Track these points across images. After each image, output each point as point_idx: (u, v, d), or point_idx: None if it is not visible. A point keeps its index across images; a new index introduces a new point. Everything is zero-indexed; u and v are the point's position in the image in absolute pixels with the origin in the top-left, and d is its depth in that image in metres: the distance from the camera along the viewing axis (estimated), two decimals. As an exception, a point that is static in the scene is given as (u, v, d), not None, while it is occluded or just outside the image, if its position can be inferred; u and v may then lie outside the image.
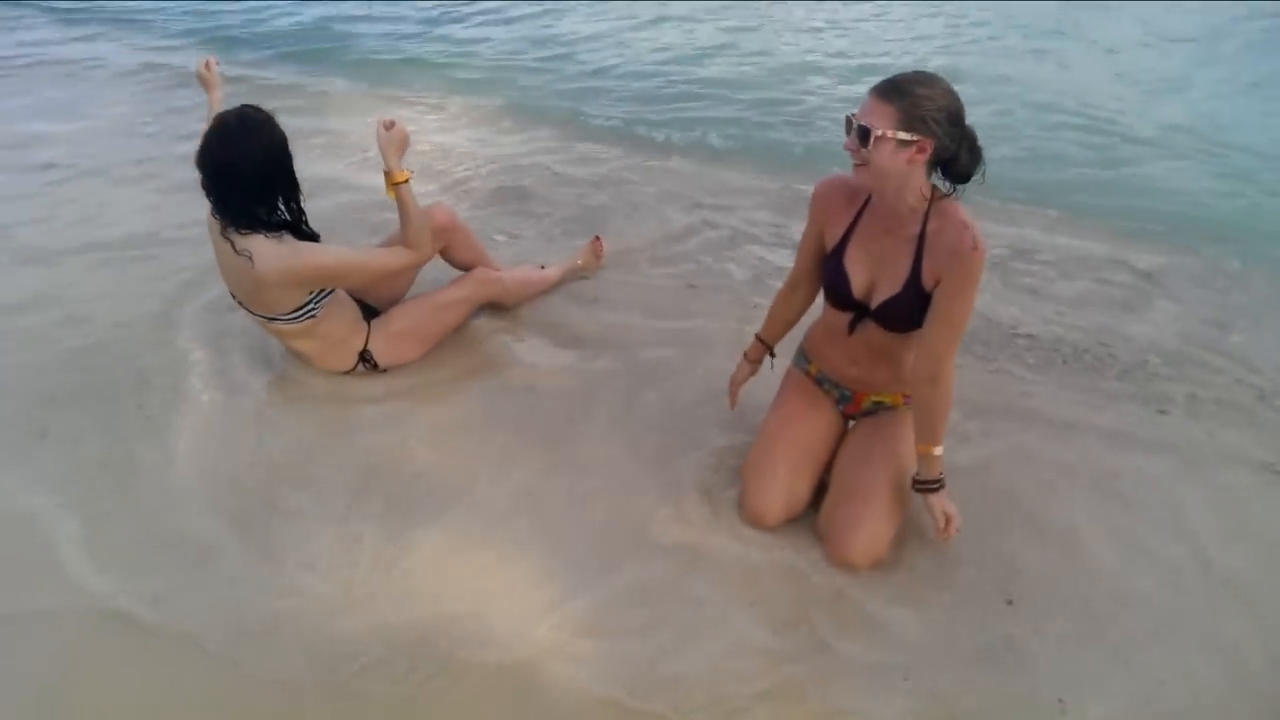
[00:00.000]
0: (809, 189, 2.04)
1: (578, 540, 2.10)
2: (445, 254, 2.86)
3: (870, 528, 1.98)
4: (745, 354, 2.32)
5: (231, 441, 2.41)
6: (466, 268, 2.89)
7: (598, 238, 3.35)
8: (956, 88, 1.68)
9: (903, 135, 1.66)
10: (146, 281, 3.19)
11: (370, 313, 2.69)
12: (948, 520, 1.93)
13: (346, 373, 2.64)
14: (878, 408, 2.17)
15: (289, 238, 2.26)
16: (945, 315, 1.82)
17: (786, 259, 3.34)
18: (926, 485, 1.95)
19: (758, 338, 2.29)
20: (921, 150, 1.68)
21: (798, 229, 2.96)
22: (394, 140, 2.32)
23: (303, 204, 2.31)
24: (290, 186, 2.24)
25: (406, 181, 2.35)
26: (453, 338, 2.86)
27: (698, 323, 2.97)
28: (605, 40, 6.86)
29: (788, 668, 1.80)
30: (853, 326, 2.02)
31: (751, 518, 2.12)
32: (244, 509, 2.18)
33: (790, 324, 2.25)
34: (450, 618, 1.89)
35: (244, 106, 2.18)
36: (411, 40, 7.03)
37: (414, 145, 2.56)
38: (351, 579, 1.99)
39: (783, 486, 2.09)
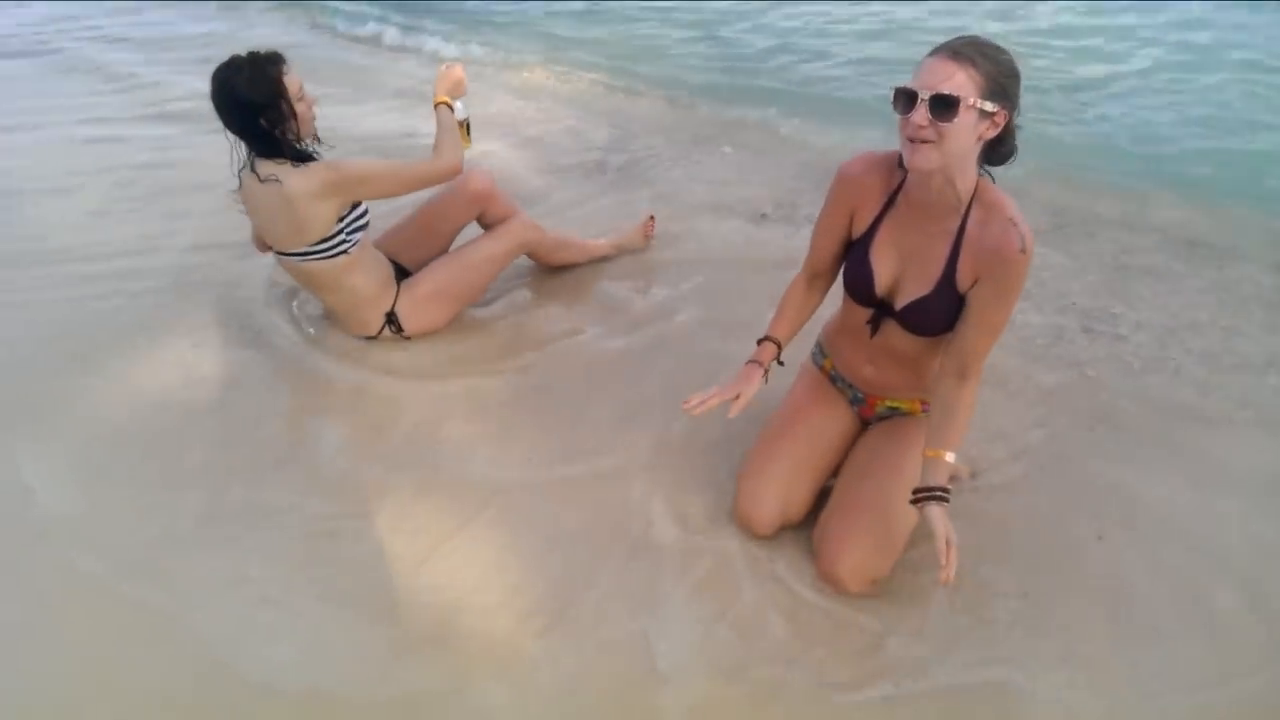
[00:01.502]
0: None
1: (567, 532, 2.02)
2: (482, 220, 2.81)
3: (865, 545, 1.77)
4: (754, 359, 1.86)
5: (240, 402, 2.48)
6: None
7: (651, 216, 3.21)
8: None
9: (987, 105, 1.42)
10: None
11: (403, 276, 2.69)
12: (949, 547, 1.54)
13: (373, 337, 2.65)
14: (892, 413, 1.95)
15: (313, 164, 2.29)
16: (983, 321, 1.60)
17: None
18: (928, 494, 1.61)
19: (767, 338, 1.89)
20: (996, 125, 1.46)
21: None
22: (448, 77, 2.52)
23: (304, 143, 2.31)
24: (260, 129, 2.22)
25: (445, 104, 2.49)
26: (487, 310, 2.82)
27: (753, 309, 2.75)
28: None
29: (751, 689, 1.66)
30: (874, 326, 1.80)
31: (743, 522, 1.95)
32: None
33: (804, 320, 1.93)
34: (424, 605, 1.86)
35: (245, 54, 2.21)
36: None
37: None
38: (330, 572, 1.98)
39: (778, 491, 1.91)
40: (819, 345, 2.06)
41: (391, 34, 6.28)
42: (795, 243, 3.17)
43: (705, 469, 2.16)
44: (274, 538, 2.02)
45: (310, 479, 2.19)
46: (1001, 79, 1.42)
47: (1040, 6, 6.10)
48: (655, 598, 1.85)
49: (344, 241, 2.41)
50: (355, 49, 6.07)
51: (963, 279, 1.61)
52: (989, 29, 5.60)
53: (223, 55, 2.19)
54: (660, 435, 2.28)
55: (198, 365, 2.60)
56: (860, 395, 1.96)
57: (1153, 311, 2.75)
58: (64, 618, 1.84)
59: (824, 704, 1.64)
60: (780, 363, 1.89)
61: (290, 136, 2.25)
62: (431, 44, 5.99)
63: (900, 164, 1.62)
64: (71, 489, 2.17)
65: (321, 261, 2.42)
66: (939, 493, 1.61)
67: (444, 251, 2.80)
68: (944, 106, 1.40)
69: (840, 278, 1.85)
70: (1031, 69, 3.83)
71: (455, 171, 2.49)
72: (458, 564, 1.94)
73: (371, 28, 6.41)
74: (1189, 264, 3.03)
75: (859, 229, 1.74)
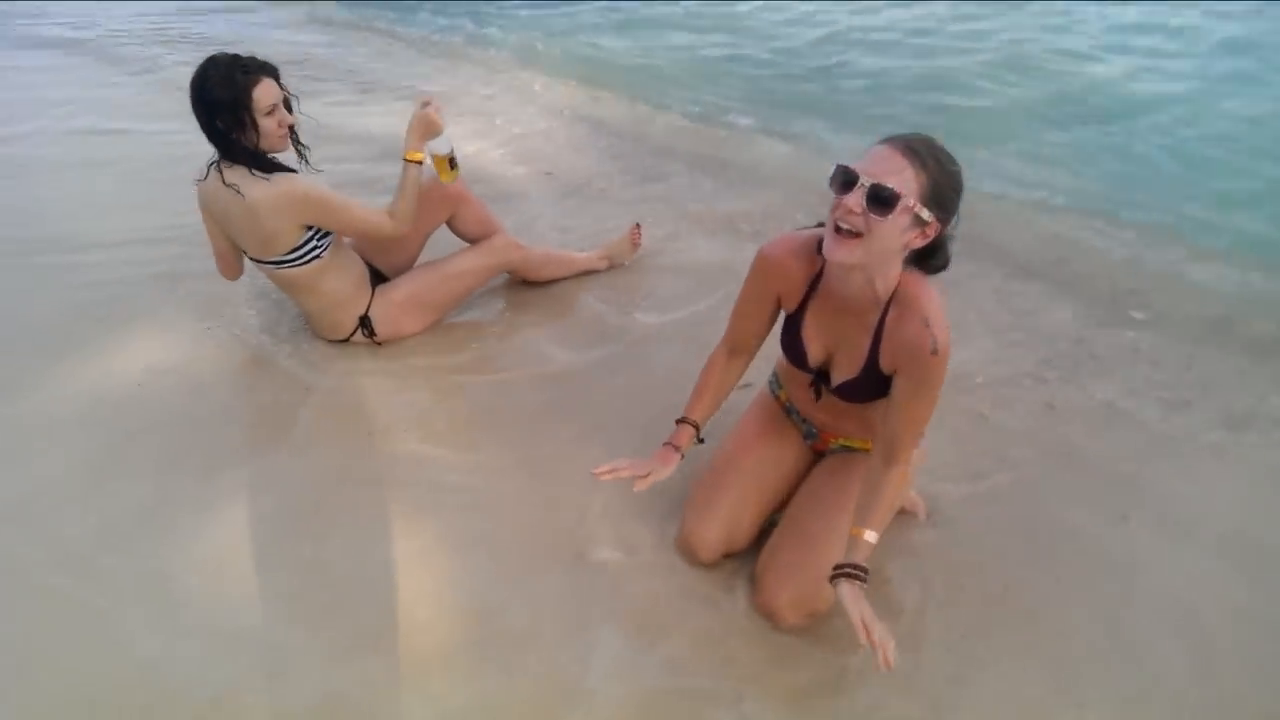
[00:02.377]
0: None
1: (509, 547, 1.99)
2: (452, 225, 2.78)
3: (806, 579, 1.72)
4: (670, 442, 1.78)
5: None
6: (474, 241, 2.80)
7: (637, 225, 3.17)
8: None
9: (923, 212, 1.36)
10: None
11: (379, 280, 2.68)
12: (868, 631, 1.44)
13: (344, 340, 2.64)
14: (845, 450, 1.91)
15: (281, 174, 2.29)
16: (905, 412, 1.57)
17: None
18: (847, 571, 1.53)
19: (685, 420, 1.81)
20: (925, 236, 1.41)
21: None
22: (421, 121, 2.35)
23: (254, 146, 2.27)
24: (217, 129, 2.21)
25: (417, 163, 2.37)
26: (462, 318, 2.81)
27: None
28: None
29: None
30: (816, 391, 1.78)
31: (685, 550, 1.90)
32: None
33: (724, 396, 1.85)
34: (358, 612, 1.84)
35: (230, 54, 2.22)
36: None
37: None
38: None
39: (723, 522, 1.86)
40: (775, 375, 2.02)
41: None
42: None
43: (656, 493, 2.10)
44: (215, 537, 2.00)
45: (260, 478, 2.17)
46: (946, 190, 1.38)
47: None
48: (589, 619, 1.81)
49: (316, 248, 2.40)
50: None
51: (885, 365, 1.59)
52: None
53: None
54: (617, 455, 2.23)
55: (162, 359, 2.61)
56: (814, 431, 1.92)
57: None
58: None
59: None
60: (700, 440, 1.83)
61: (247, 145, 2.24)
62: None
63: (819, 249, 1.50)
64: (17, 472, 2.18)
65: (294, 269, 2.42)
66: (855, 571, 1.54)
67: (415, 256, 2.79)
68: (881, 200, 1.33)
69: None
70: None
71: (400, 234, 2.47)
72: (397, 572, 1.91)
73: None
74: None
75: (789, 307, 1.71)
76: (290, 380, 2.54)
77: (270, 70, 2.24)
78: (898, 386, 1.56)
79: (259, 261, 2.43)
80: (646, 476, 1.70)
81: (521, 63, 5.74)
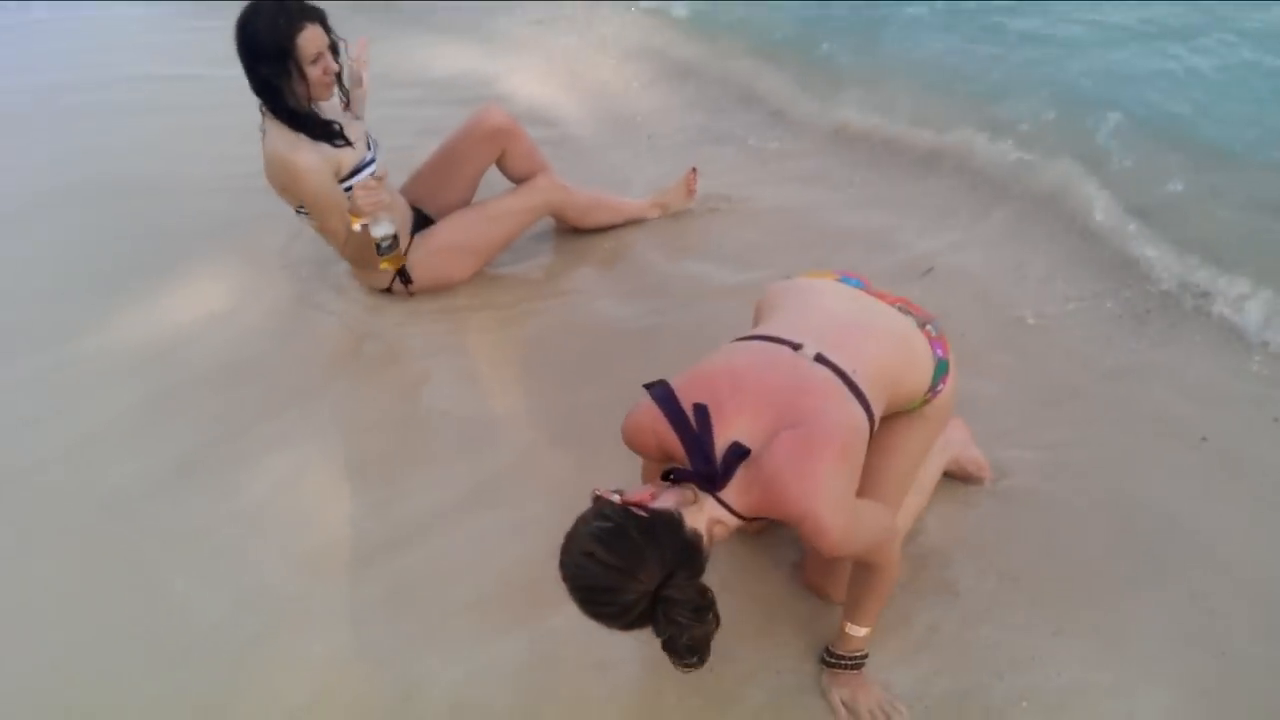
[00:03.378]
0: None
1: (544, 501, 1.92)
2: (501, 163, 2.67)
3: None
4: None
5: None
6: (523, 179, 2.68)
7: (694, 169, 2.97)
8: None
9: None
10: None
11: (426, 224, 2.61)
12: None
13: (387, 290, 2.59)
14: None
15: (303, 137, 2.24)
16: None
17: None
18: (835, 660, 1.49)
19: None
20: None
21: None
22: (355, 200, 2.25)
23: (299, 101, 2.23)
24: (262, 78, 2.17)
25: (360, 228, 2.29)
26: (506, 269, 2.73)
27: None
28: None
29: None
30: None
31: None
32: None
33: None
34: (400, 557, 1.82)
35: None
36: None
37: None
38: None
39: None
40: None
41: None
42: (849, 218, 2.90)
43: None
44: (255, 486, 2.00)
45: (303, 427, 2.17)
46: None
47: None
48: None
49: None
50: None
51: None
52: None
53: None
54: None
55: (212, 308, 2.63)
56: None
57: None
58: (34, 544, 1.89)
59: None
60: None
61: (290, 96, 2.19)
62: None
63: None
64: (69, 415, 2.23)
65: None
66: (843, 662, 1.48)
67: (466, 200, 2.70)
68: None
69: None
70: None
71: (352, 264, 2.51)
72: (433, 527, 1.87)
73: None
74: None
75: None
76: (335, 331, 2.52)
77: (316, 15, 2.17)
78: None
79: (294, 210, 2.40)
80: None
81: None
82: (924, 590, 1.66)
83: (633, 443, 1.39)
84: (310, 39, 2.14)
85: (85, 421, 2.21)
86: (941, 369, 1.52)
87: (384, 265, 2.37)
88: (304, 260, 2.81)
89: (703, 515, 1.25)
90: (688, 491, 1.27)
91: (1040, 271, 2.52)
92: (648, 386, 1.36)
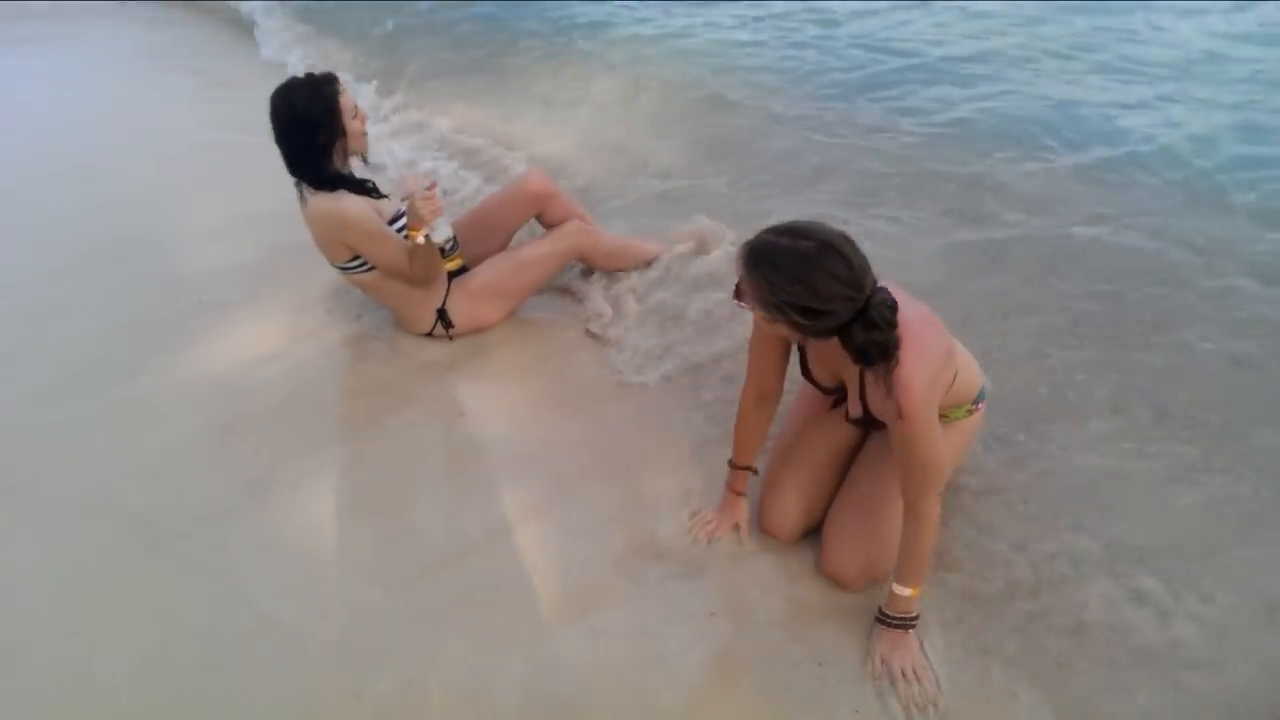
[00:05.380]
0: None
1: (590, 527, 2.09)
2: (542, 219, 2.92)
3: (866, 544, 1.80)
4: (729, 485, 1.99)
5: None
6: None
7: (707, 219, 3.19)
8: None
9: (763, 314, 1.52)
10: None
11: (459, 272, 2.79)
12: (899, 673, 1.64)
13: (428, 334, 2.77)
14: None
15: (344, 193, 2.45)
16: (901, 462, 1.60)
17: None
18: (883, 618, 1.70)
19: (736, 466, 1.98)
20: (790, 327, 1.52)
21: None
22: (414, 210, 2.39)
23: (342, 167, 2.47)
24: (316, 144, 2.38)
25: (414, 236, 2.44)
26: (538, 312, 2.91)
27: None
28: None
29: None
30: (836, 405, 1.95)
31: (768, 531, 1.99)
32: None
33: (764, 437, 1.98)
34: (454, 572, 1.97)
35: (303, 75, 2.42)
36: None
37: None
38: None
39: (795, 505, 1.95)
40: None
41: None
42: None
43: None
44: (316, 508, 2.15)
45: (355, 457, 2.33)
46: (771, 299, 1.47)
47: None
48: (667, 588, 1.91)
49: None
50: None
51: (876, 413, 1.68)
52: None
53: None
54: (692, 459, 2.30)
55: (264, 349, 2.77)
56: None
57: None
58: (123, 563, 2.02)
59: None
60: (755, 471, 2.00)
61: (337, 156, 2.43)
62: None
63: None
64: (143, 446, 2.39)
65: (360, 274, 2.59)
66: (892, 621, 1.68)
67: (501, 249, 2.91)
68: (737, 295, 1.55)
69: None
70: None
71: (422, 285, 2.62)
72: (482, 548, 2.03)
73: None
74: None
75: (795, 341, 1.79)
76: (381, 370, 2.69)
77: (338, 78, 2.44)
78: (892, 438, 1.59)
79: (334, 266, 2.60)
80: (736, 527, 1.98)
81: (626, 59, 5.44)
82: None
83: None
84: (346, 97, 2.42)
85: (155, 452, 2.36)
86: (983, 393, 1.85)
87: (450, 265, 2.54)
88: (346, 308, 3.00)
89: None
90: None
91: None
92: None
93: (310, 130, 2.37)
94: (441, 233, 2.44)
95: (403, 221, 2.54)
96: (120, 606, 1.91)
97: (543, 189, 2.87)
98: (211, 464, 2.31)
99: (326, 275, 2.90)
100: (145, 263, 3.40)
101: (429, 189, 2.41)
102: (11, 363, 2.78)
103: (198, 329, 2.92)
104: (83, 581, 1.97)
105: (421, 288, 2.63)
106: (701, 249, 3.08)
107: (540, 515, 2.11)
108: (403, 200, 2.48)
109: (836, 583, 1.84)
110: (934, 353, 1.54)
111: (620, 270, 3.05)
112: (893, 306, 1.47)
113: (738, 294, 1.55)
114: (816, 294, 1.42)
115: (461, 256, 2.57)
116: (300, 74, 2.41)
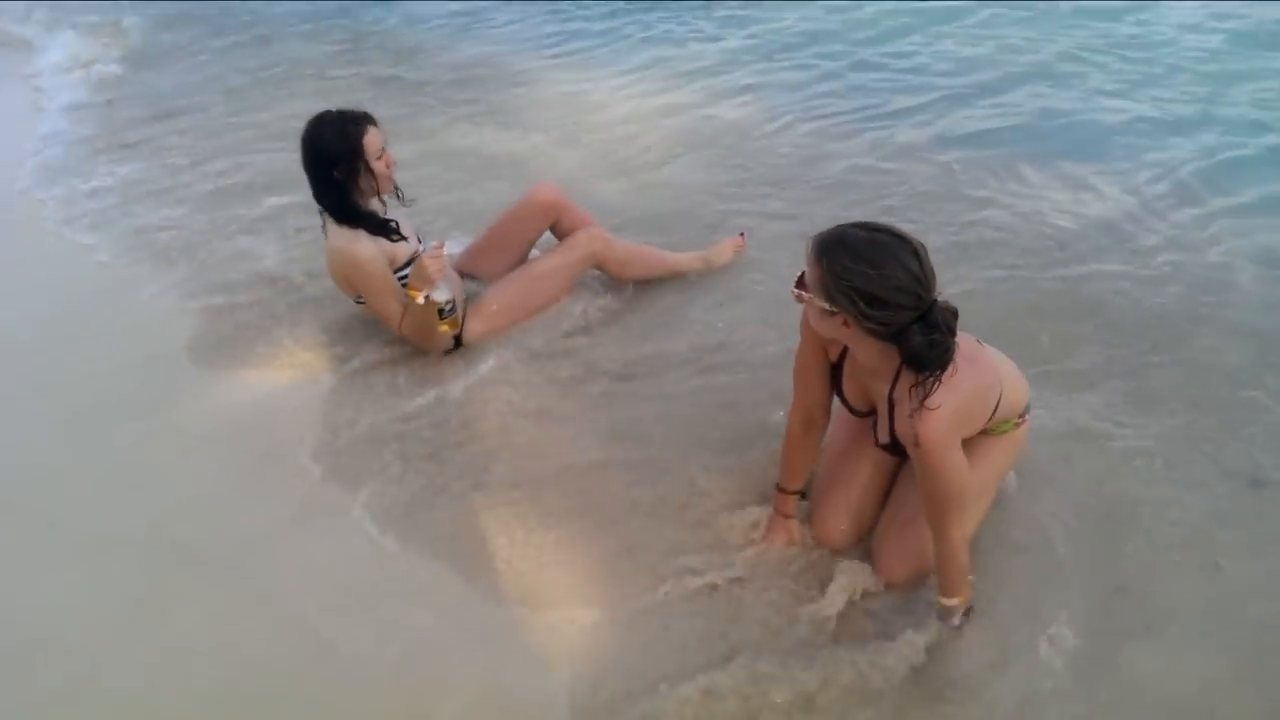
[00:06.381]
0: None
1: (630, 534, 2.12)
2: (556, 230, 2.93)
3: (914, 552, 1.85)
4: (777, 509, 2.01)
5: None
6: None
7: (742, 234, 3.19)
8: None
9: (824, 304, 1.52)
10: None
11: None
12: None
13: (448, 352, 2.74)
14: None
15: (362, 233, 2.49)
16: (921, 490, 1.65)
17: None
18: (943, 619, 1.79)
19: (784, 490, 1.99)
20: (846, 324, 1.53)
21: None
22: (417, 267, 2.42)
23: (365, 204, 2.51)
24: (335, 179, 2.43)
25: (423, 299, 2.45)
26: (560, 323, 2.87)
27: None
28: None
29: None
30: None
31: (820, 540, 2.03)
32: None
33: (812, 462, 2.01)
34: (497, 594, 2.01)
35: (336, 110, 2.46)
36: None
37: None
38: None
39: (844, 520, 1.99)
40: None
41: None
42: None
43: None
44: (354, 537, 2.16)
45: (389, 477, 2.34)
46: (834, 288, 1.48)
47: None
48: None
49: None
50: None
51: (902, 437, 1.66)
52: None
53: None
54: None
55: (282, 382, 2.75)
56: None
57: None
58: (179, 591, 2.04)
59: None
60: (804, 496, 2.03)
61: (358, 193, 2.47)
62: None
63: None
64: (184, 476, 2.39)
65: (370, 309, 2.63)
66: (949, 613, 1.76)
67: (519, 262, 2.91)
68: (799, 284, 1.57)
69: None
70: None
71: (412, 341, 2.66)
72: (533, 545, 2.09)
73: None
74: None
75: (832, 355, 1.83)
76: (403, 394, 2.65)
77: (372, 119, 2.47)
78: (915, 466, 1.63)
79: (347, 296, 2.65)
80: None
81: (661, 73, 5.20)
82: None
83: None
84: (373, 138, 2.44)
85: (194, 481, 2.37)
86: (1029, 405, 1.87)
87: (443, 328, 2.55)
88: (364, 339, 2.92)
89: None
90: None
91: None
92: None
93: (330, 164, 2.43)
94: (442, 294, 2.46)
95: (408, 271, 2.55)
96: (178, 640, 1.93)
97: (554, 199, 2.88)
98: (253, 492, 2.32)
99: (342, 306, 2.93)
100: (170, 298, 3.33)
101: (436, 248, 2.44)
102: (41, 396, 2.76)
103: (224, 362, 2.89)
104: (137, 616, 1.99)
105: (413, 342, 2.66)
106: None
107: (587, 535, 2.13)
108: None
109: (889, 584, 1.90)
110: (966, 388, 1.56)
111: (640, 279, 3.02)
112: (954, 313, 1.48)
113: (800, 284, 1.56)
114: (886, 283, 1.43)
115: (457, 323, 2.59)
116: (334, 109, 2.46)
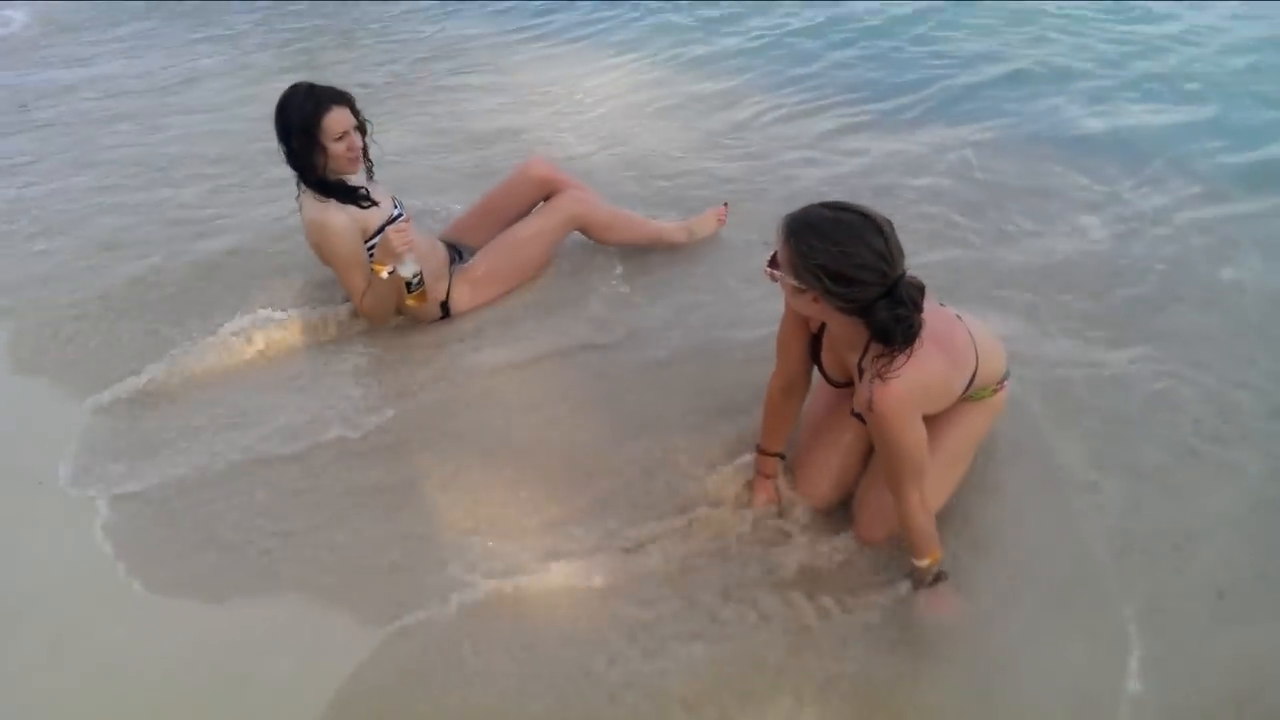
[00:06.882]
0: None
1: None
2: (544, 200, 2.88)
3: (893, 520, 1.80)
4: (759, 469, 2.02)
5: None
6: None
7: (725, 204, 3.14)
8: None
9: (794, 282, 1.55)
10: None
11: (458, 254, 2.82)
12: None
13: (440, 319, 2.72)
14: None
15: (333, 203, 2.45)
16: (879, 453, 1.71)
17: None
18: (916, 580, 1.79)
19: (764, 451, 2.01)
20: (816, 300, 1.56)
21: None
22: (383, 242, 2.41)
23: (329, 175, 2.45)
24: (294, 151, 2.40)
25: (378, 271, 2.44)
26: (543, 292, 2.85)
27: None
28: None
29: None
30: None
31: (803, 495, 2.02)
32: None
33: (792, 426, 2.02)
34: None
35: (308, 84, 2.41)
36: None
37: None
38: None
39: (825, 480, 1.99)
40: None
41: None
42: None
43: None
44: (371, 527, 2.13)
45: (398, 459, 2.31)
46: (805, 264, 1.50)
47: None
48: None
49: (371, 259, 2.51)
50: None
51: (856, 403, 1.71)
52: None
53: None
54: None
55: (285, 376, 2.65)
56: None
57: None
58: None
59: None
60: (783, 457, 2.04)
61: (316, 168, 2.42)
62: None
63: None
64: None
65: None
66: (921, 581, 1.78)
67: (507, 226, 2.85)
68: (771, 263, 1.59)
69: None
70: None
71: (369, 318, 2.65)
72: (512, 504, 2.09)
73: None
74: None
75: (812, 327, 1.85)
76: (399, 367, 2.63)
77: (345, 99, 2.41)
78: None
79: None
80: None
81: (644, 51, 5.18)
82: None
83: None
84: (336, 120, 2.37)
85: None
86: (1008, 372, 1.90)
87: (410, 301, 2.52)
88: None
89: None
90: None
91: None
92: None
93: (287, 135, 2.40)
94: (408, 268, 2.44)
95: (376, 241, 2.51)
96: (238, 640, 1.89)
97: (545, 174, 2.84)
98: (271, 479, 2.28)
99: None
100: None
101: (404, 221, 2.40)
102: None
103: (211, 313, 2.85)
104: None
105: (368, 320, 2.64)
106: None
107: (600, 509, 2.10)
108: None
109: (868, 544, 1.92)
110: (932, 369, 1.59)
111: (624, 244, 2.97)
112: (920, 289, 1.51)
113: (772, 263, 1.58)
114: (850, 261, 1.46)
115: (424, 296, 2.54)
116: (309, 83, 2.41)
